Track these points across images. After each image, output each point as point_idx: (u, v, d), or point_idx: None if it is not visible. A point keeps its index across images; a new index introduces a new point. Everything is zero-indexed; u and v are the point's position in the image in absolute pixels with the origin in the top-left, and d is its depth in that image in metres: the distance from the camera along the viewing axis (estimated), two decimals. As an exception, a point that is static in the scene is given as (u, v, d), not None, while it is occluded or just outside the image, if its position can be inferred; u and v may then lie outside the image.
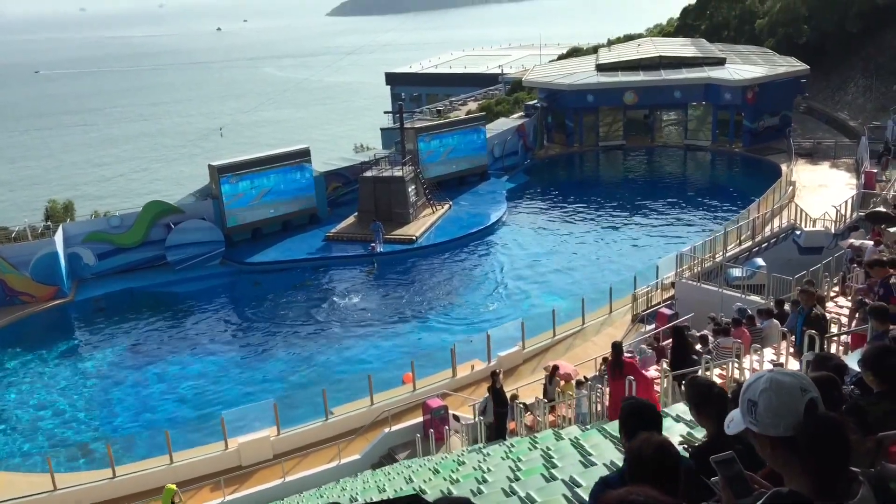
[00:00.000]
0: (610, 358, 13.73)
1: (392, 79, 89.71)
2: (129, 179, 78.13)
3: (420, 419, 18.75)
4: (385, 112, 53.19)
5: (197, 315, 28.45)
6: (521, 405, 16.55)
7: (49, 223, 32.11)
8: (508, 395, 16.79)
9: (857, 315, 10.67)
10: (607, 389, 13.17)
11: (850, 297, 13.35)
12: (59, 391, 23.29)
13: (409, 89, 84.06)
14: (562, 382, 16.72)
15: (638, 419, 3.84)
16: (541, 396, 16.87)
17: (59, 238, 29.67)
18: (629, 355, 14.80)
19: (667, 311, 21.48)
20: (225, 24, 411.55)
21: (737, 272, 22.06)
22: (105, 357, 25.37)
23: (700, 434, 6.02)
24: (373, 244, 32.19)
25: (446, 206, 37.33)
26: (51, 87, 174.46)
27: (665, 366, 13.53)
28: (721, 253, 24.41)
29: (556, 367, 17.42)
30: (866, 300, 10.29)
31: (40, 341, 26.54)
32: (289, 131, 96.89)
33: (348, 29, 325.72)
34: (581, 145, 47.98)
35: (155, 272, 31.42)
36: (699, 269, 22.78)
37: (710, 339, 14.57)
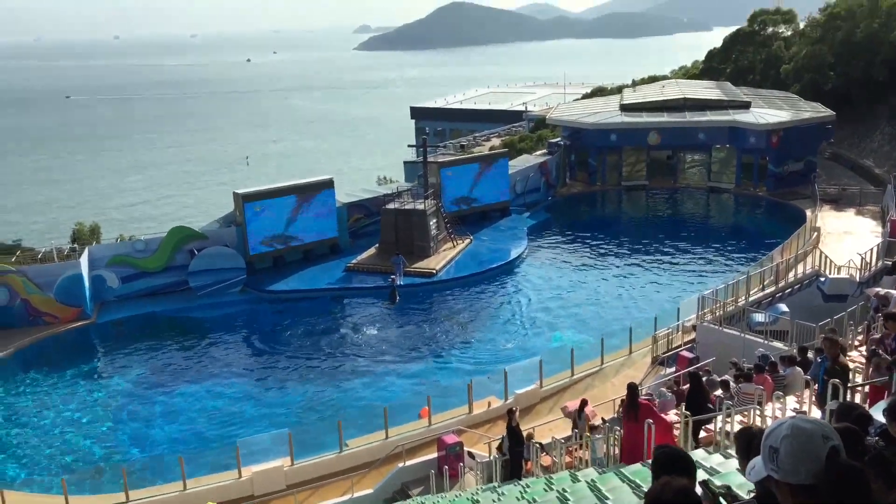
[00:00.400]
0: (625, 400, 13.61)
1: (417, 113, 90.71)
2: (155, 205, 79.16)
3: (435, 455, 18.60)
4: (409, 145, 53.70)
5: (216, 341, 28.57)
6: (538, 445, 16.39)
7: (75, 245, 32.58)
8: (524, 434, 16.63)
9: (871, 365, 10.52)
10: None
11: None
12: (76, 413, 23.39)
13: (433, 124, 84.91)
14: (590, 419, 16.55)
15: (671, 469, 3.72)
16: (557, 436, 16.70)
17: (84, 260, 30.05)
18: (647, 398, 14.64)
19: (688, 355, 21.27)
20: (255, 56, 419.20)
21: (760, 317, 21.85)
22: (123, 380, 25.49)
23: (719, 481, 5.93)
24: (393, 276, 32.27)
25: (467, 241, 37.41)
26: (81, 112, 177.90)
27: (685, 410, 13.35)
28: (744, 297, 24.21)
29: (584, 402, 17.20)
30: (879, 351, 10.16)
31: (61, 362, 26.74)
32: (313, 162, 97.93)
33: (375, 63, 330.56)
34: (604, 184, 48.02)
35: (177, 297, 31.68)
36: (721, 312, 22.57)
37: (732, 384, 14.40)
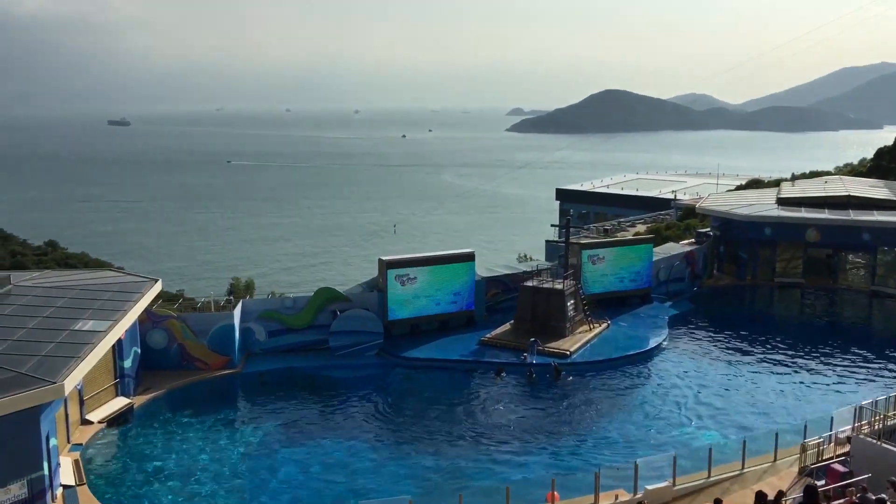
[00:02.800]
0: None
1: (562, 195, 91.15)
2: (305, 265, 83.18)
3: (555, 542, 17.89)
4: (552, 225, 53.76)
5: (348, 401, 29.21)
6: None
7: (231, 298, 34.69)
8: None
9: None
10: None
11: None
12: (209, 459, 24.37)
13: (578, 206, 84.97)
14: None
15: None
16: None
17: (237, 313, 31.93)
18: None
19: (840, 468, 19.54)
20: (411, 133, 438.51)
21: (925, 435, 19.80)
22: (258, 431, 26.44)
23: None
24: (525, 354, 32.05)
25: (604, 325, 36.64)
26: (242, 176, 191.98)
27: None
28: (907, 412, 22.06)
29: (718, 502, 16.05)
30: None
31: (206, 407, 28.13)
32: (457, 234, 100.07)
33: (525, 145, 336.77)
34: (754, 279, 45.93)
35: (315, 355, 32.88)
36: (881, 426, 20.69)
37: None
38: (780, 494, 13.75)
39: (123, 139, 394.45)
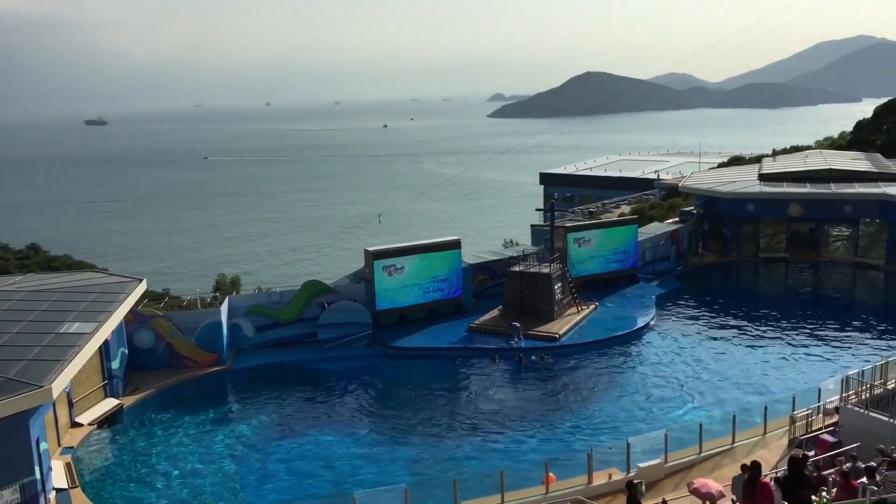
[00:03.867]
0: (747, 475, 12.77)
1: (546, 179, 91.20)
2: (290, 258, 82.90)
3: (550, 524, 18.01)
4: (537, 209, 53.87)
5: (339, 393, 29.22)
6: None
7: (217, 294, 34.50)
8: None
9: None
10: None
11: None
12: (202, 457, 24.29)
13: (562, 189, 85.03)
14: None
15: None
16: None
17: (224, 309, 31.78)
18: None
19: (829, 439, 19.79)
20: (392, 122, 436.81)
21: (911, 402, 20.03)
22: (250, 427, 26.38)
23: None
24: (514, 340, 32.17)
25: (592, 307, 36.78)
26: (221, 172, 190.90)
27: (824, 494, 12.39)
28: (893, 380, 22.33)
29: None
30: None
31: (195, 405, 28.03)
32: (442, 222, 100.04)
33: (507, 130, 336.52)
34: (739, 255, 46.20)
35: (305, 348, 32.82)
36: (868, 395, 20.92)
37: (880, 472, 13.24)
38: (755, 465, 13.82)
39: (101, 139, 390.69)
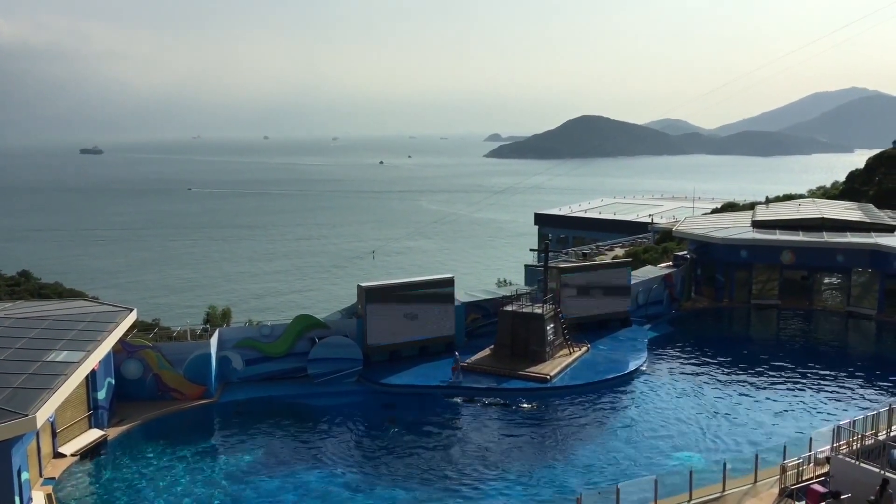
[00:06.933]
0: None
1: (540, 219, 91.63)
2: (283, 292, 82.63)
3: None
4: (531, 249, 53.97)
5: (328, 430, 28.85)
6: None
7: (207, 326, 34.25)
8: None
9: None
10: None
11: None
12: (185, 490, 23.90)
13: (556, 230, 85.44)
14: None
15: None
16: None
17: (213, 341, 31.54)
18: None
19: (819, 489, 19.59)
20: (389, 159, 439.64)
21: (903, 454, 19.89)
22: (235, 462, 25.99)
23: None
24: (454, 375, 32.38)
25: (584, 349, 36.66)
26: (216, 203, 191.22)
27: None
28: (885, 432, 22.22)
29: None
30: None
31: (181, 439, 27.62)
32: (435, 260, 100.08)
33: (503, 170, 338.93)
34: (731, 301, 46.30)
35: (294, 383, 32.53)
36: (859, 446, 20.78)
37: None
38: None
39: (96, 167, 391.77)
